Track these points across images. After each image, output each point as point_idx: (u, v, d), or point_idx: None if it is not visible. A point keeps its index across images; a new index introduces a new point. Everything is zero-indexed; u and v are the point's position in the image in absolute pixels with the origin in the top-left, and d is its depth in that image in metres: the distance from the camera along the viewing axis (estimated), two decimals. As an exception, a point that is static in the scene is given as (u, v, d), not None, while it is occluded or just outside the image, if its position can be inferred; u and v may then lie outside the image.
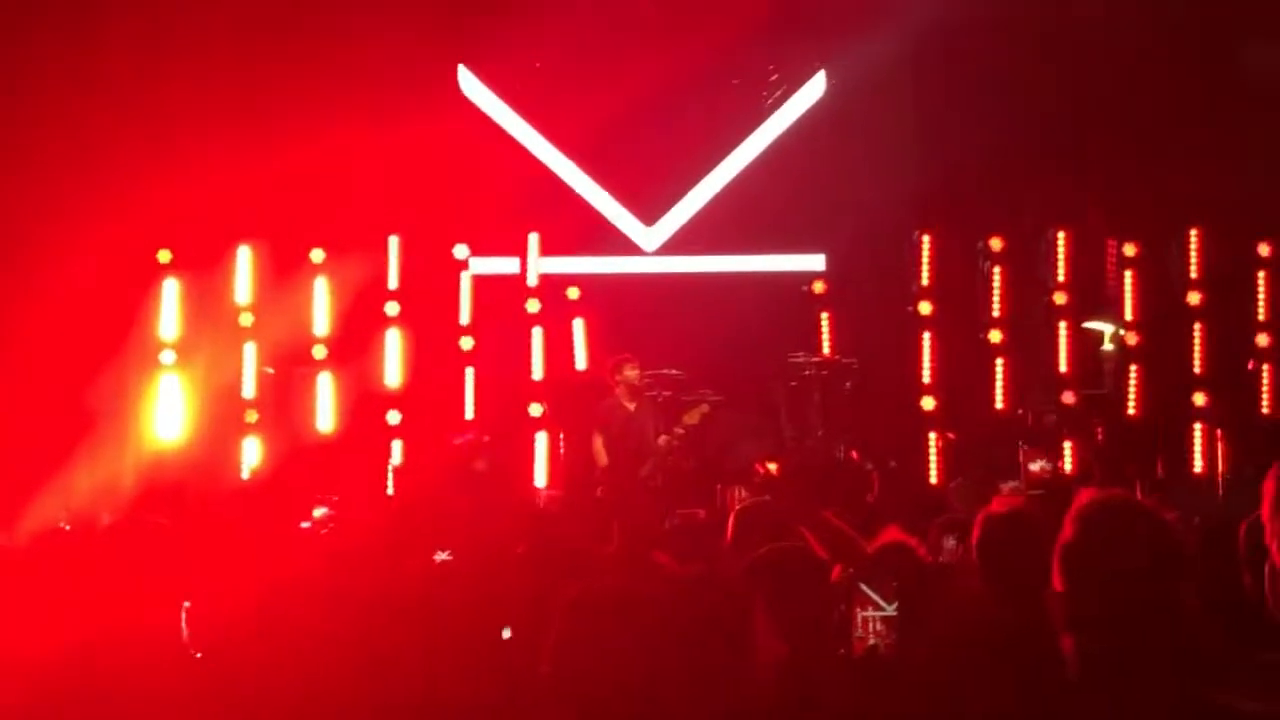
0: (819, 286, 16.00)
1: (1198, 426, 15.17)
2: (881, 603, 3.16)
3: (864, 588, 3.18)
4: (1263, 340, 15.44)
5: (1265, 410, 15.33)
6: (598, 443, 14.02)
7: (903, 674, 3.04)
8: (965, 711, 2.86)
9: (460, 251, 14.99)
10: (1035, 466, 14.31)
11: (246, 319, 14.65)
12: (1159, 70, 15.83)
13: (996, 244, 15.48)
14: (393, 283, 14.97)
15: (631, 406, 13.99)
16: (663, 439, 13.93)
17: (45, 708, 3.66)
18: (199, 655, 3.88)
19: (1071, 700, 3.14)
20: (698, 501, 13.75)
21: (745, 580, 4.58)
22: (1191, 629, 3.82)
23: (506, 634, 5.60)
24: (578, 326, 15.37)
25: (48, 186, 14.55)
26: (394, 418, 14.63)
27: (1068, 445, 14.84)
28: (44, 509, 12.21)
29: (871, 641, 3.15)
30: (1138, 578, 3.29)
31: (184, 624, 3.89)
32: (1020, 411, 15.82)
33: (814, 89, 17.48)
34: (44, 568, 5.48)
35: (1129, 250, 15.53)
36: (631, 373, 13.95)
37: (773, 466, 5.51)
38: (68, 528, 11.72)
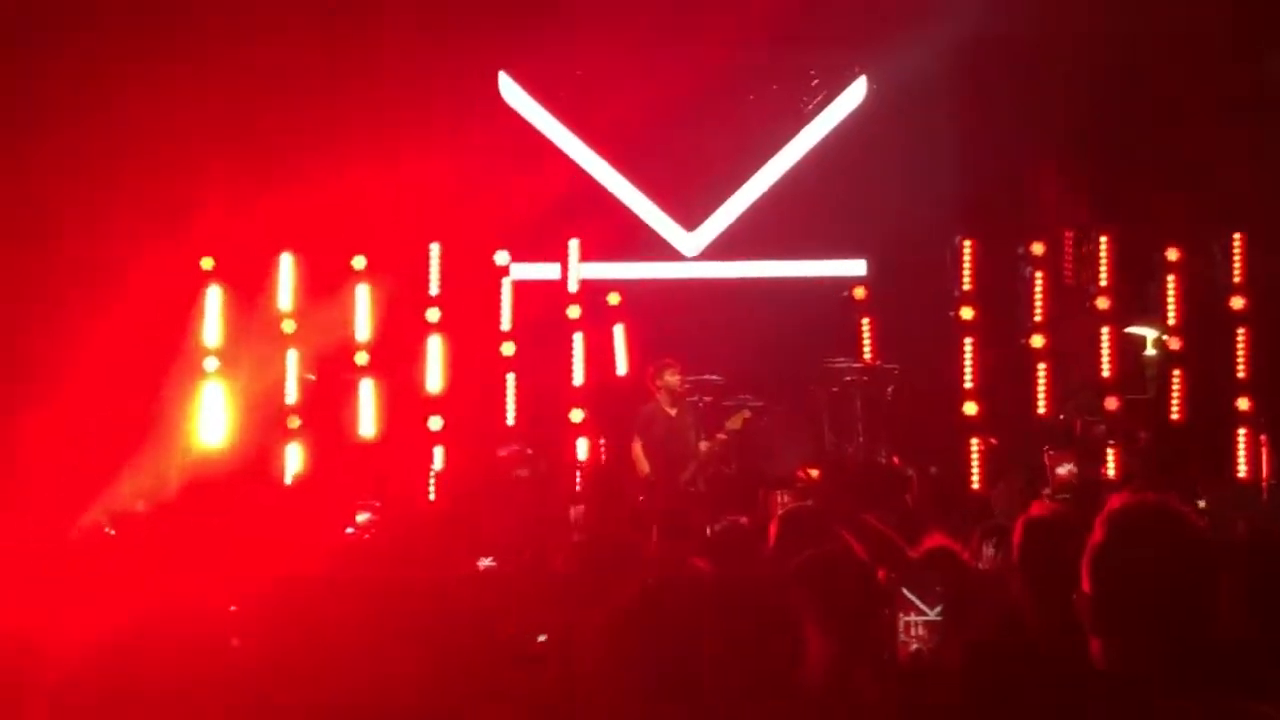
0: (860, 292, 15.98)
1: (1242, 432, 15.07)
2: (924, 607, 3.15)
3: (906, 592, 3.17)
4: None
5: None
6: (637, 448, 14.03)
7: (944, 679, 3.04)
8: (1002, 716, 2.85)
9: (501, 258, 15.02)
10: (1062, 470, 14.25)
11: (289, 326, 14.71)
12: (1198, 75, 15.75)
13: (1038, 249, 15.42)
14: (434, 289, 14.99)
15: (673, 412, 14.00)
16: (704, 445, 13.94)
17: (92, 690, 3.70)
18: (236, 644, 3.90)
19: (1102, 705, 3.13)
20: (740, 507, 13.74)
21: (791, 584, 4.58)
22: (1228, 635, 3.81)
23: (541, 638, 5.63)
24: (618, 332, 15.37)
25: (96, 193, 14.64)
26: (435, 424, 14.66)
27: (1110, 451, 14.76)
28: (91, 515, 12.30)
29: (914, 647, 3.14)
30: (1165, 582, 3.29)
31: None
32: (1062, 417, 15.78)
33: (855, 94, 17.48)
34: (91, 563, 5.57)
35: (1171, 255, 15.45)
36: (673, 378, 13.96)
37: (814, 473, 5.49)
38: (112, 532, 11.82)
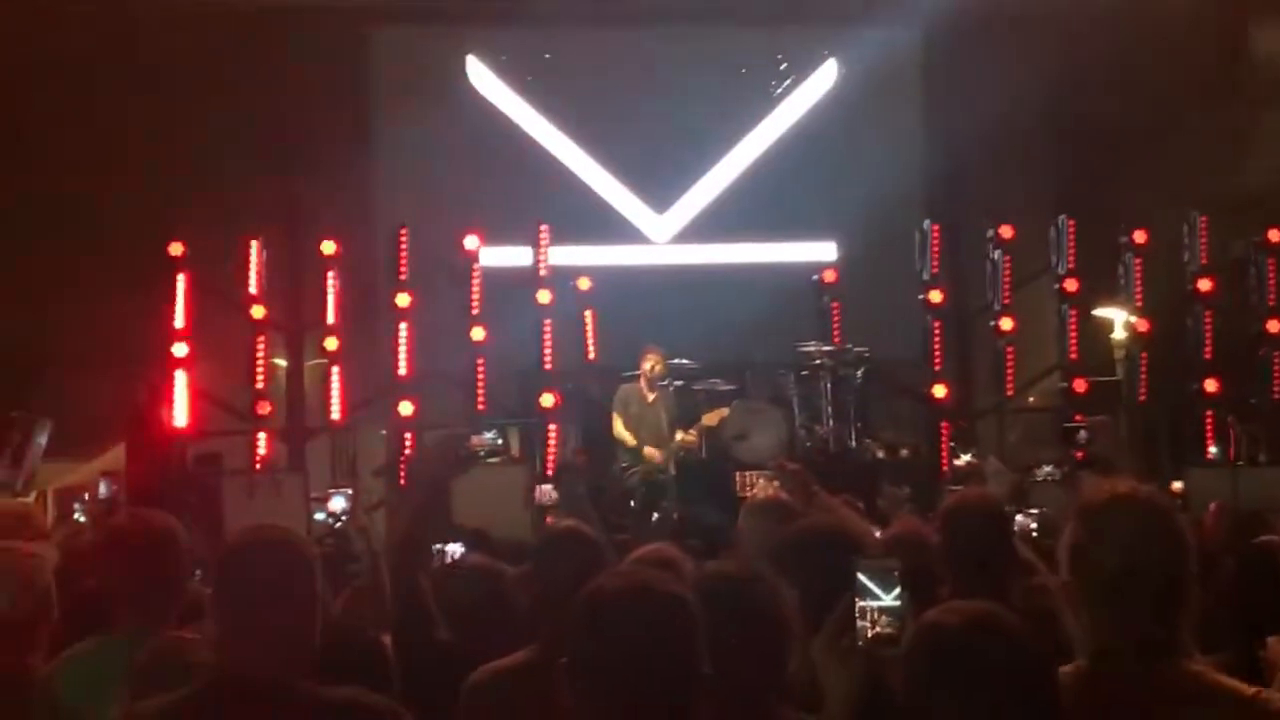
0: (829, 275, 16.01)
1: (1209, 413, 15.16)
2: (880, 593, 3.17)
3: (862, 577, 3.19)
4: (1274, 327, 15.41)
5: (1277, 396, 15.32)
6: (618, 424, 14.02)
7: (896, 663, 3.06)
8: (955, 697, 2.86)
9: (470, 242, 14.98)
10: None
11: (257, 311, 14.65)
12: (1169, 58, 15.81)
13: (1006, 232, 15.48)
14: (403, 274, 14.96)
15: (650, 397, 14.00)
16: (680, 436, 13.95)
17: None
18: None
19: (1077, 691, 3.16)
20: (711, 493, 13.76)
21: (768, 564, 4.60)
22: (1206, 617, 3.85)
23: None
24: (588, 317, 15.36)
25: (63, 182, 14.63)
26: (406, 409, 14.62)
27: (1082, 433, 14.79)
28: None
29: (874, 631, 3.16)
30: (1142, 568, 3.31)
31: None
32: (1031, 400, 15.89)
33: (824, 77, 17.49)
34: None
35: (1138, 238, 15.52)
36: (648, 364, 13.95)
37: (794, 466, 5.52)
38: (82, 519, 11.80)
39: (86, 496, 12.94)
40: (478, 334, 14.81)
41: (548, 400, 14.66)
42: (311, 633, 3.57)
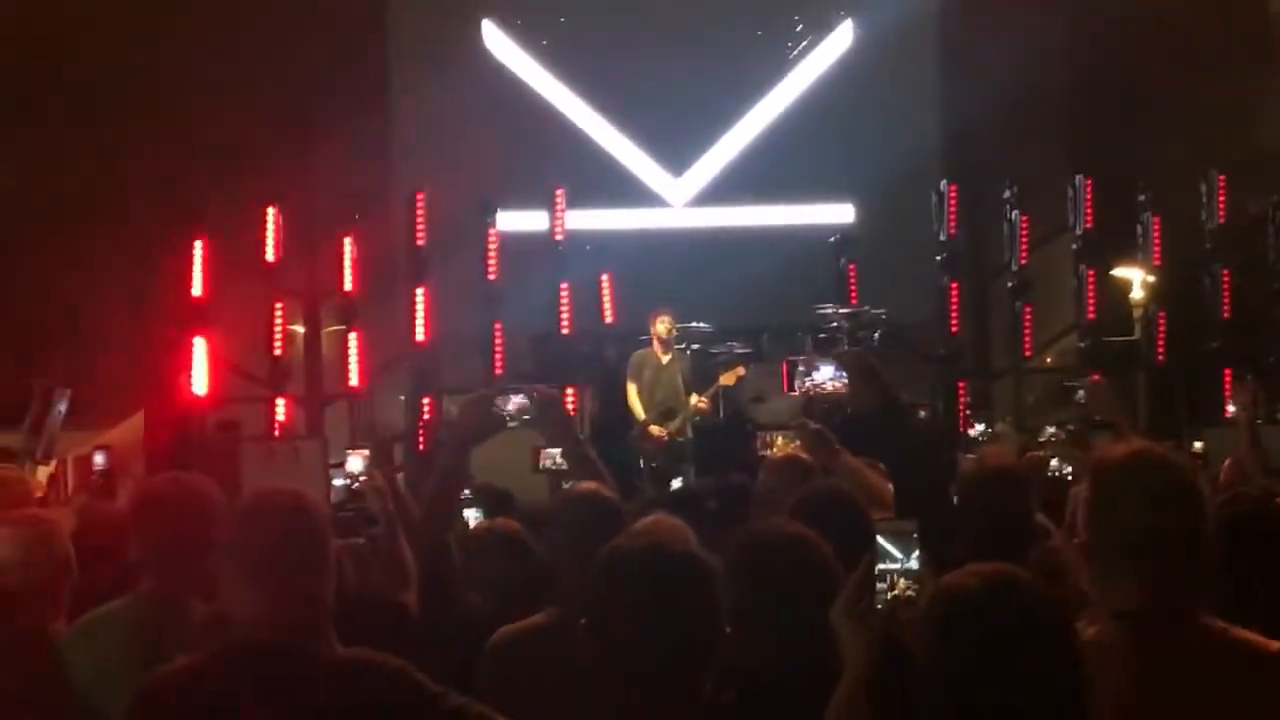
0: (846, 236, 15.98)
1: (1227, 371, 15.14)
2: (898, 554, 3.19)
3: (881, 540, 3.20)
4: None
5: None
6: (632, 392, 14.03)
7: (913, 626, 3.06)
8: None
9: (487, 207, 14.97)
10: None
11: (275, 278, 14.65)
12: (1188, 16, 15.73)
13: (1021, 191, 15.46)
14: (420, 239, 14.96)
15: (665, 359, 14.00)
16: (695, 400, 13.94)
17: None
18: None
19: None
20: (731, 454, 13.75)
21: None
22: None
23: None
24: (605, 281, 15.36)
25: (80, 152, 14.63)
26: (422, 374, 14.63)
27: (1080, 393, 14.72)
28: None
29: (893, 593, 3.18)
30: (1162, 527, 3.31)
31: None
32: (1049, 360, 15.87)
33: (840, 38, 17.44)
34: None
35: (1154, 197, 15.49)
36: (663, 326, 13.94)
37: (816, 426, 5.48)
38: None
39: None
40: (494, 298, 14.82)
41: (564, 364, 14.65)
42: (325, 595, 3.58)
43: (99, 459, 11.76)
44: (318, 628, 3.53)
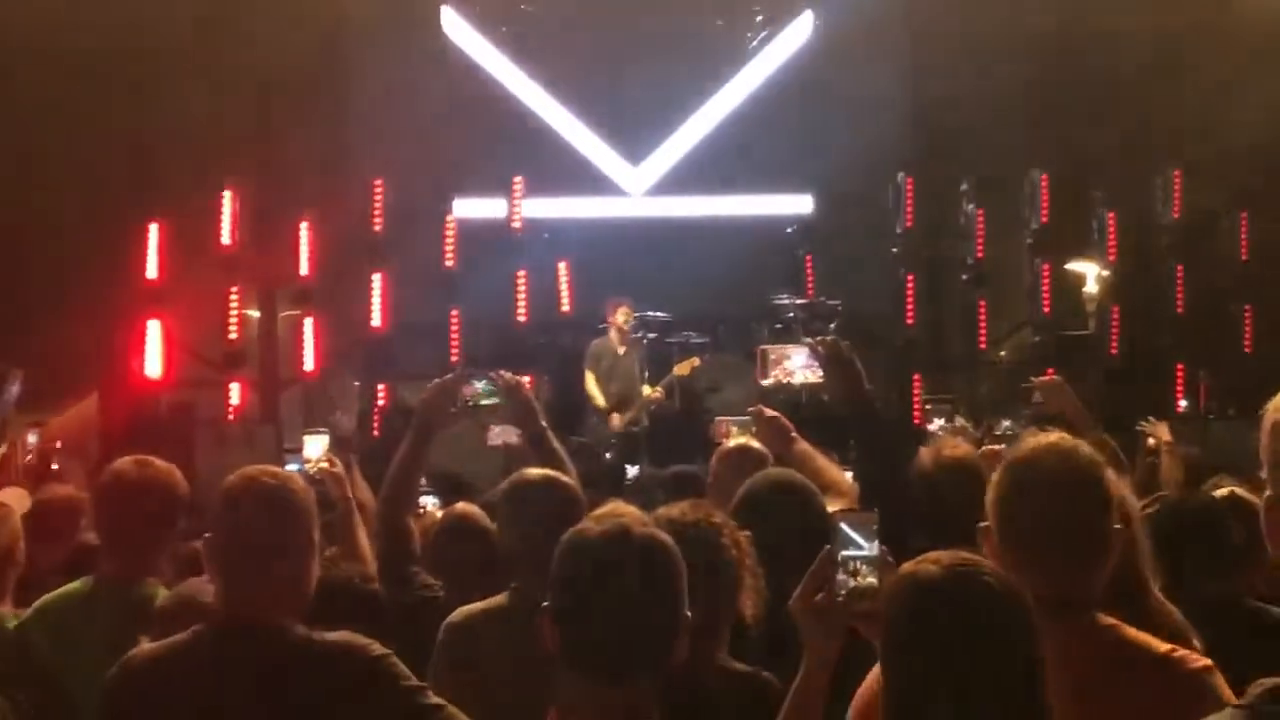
0: (804, 227, 16.01)
1: (1179, 367, 15.24)
2: (862, 542, 3.19)
3: (844, 526, 3.21)
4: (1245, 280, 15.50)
5: (1247, 349, 15.40)
6: (590, 381, 14.03)
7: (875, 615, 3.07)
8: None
9: (444, 194, 14.94)
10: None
11: (231, 262, 14.57)
12: (1147, 12, 15.80)
13: (978, 185, 15.51)
14: (377, 225, 14.92)
15: (621, 350, 14.01)
16: (649, 390, 13.96)
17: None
18: None
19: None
20: (686, 443, 13.77)
21: (740, 512, 4.62)
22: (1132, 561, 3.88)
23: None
24: (562, 269, 15.35)
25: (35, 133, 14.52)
26: (378, 360, 14.60)
27: (1036, 394, 14.76)
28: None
29: (853, 583, 3.18)
30: (1056, 520, 3.34)
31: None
32: (1003, 354, 15.94)
33: (800, 29, 17.45)
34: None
35: (1109, 193, 15.57)
36: (621, 316, 13.95)
37: (772, 413, 5.46)
38: (56, 466, 11.72)
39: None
40: (450, 286, 14.79)
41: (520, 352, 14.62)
42: (308, 579, 3.58)
43: (31, 438, 11.66)
44: (299, 611, 3.53)
